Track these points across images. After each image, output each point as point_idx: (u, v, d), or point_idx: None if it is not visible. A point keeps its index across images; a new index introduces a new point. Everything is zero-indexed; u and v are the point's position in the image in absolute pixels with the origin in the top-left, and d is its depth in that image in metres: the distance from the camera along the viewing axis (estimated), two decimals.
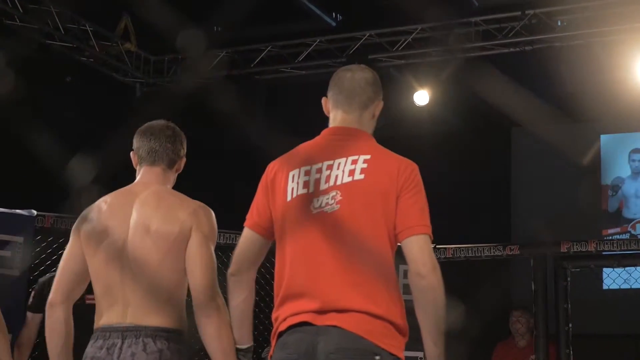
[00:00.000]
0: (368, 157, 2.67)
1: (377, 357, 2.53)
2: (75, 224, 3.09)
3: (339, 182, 2.65)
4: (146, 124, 3.18)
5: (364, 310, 2.54)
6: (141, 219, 2.96)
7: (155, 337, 2.89)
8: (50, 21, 8.19)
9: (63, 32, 8.34)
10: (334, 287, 2.57)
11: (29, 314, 5.44)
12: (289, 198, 2.69)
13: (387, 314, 2.57)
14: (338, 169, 2.67)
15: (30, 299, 5.41)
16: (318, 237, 2.61)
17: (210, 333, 2.87)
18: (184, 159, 3.20)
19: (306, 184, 2.68)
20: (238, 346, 2.84)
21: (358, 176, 2.64)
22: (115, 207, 3.03)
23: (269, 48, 9.07)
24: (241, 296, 2.77)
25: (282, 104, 9.40)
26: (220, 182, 8.64)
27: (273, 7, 8.75)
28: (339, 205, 2.63)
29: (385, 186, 2.63)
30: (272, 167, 2.79)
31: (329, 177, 2.67)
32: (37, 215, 6.12)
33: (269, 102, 9.23)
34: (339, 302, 2.55)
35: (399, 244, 2.65)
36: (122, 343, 2.89)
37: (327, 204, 2.64)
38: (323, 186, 2.66)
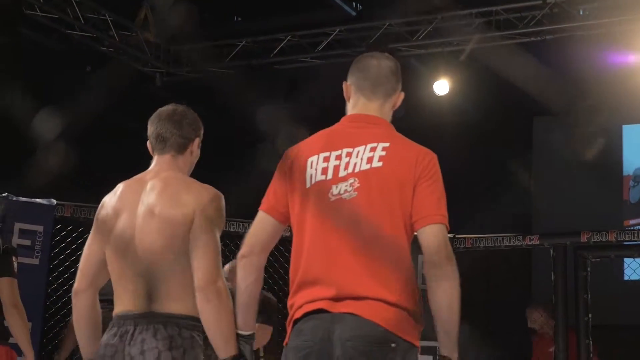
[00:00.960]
0: (387, 144, 2.67)
1: (393, 345, 2.52)
2: (96, 212, 3.12)
3: (357, 170, 2.65)
4: (157, 111, 3.16)
5: (380, 298, 2.54)
6: (147, 205, 2.97)
7: (167, 324, 2.88)
8: (70, 11, 8.21)
9: (83, 22, 8.36)
10: (350, 275, 2.57)
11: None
12: (307, 185, 2.68)
13: (403, 302, 2.56)
14: (357, 156, 2.66)
15: None
16: (335, 224, 2.61)
17: (210, 317, 2.84)
18: (197, 141, 3.14)
19: (325, 171, 2.67)
20: (240, 332, 2.82)
21: (376, 164, 2.64)
22: (126, 194, 3.04)
23: (288, 38, 9.05)
24: (250, 279, 2.75)
25: (302, 94, 9.39)
26: (239, 170, 8.65)
27: None
28: (356, 193, 2.62)
29: (403, 174, 2.62)
30: (290, 152, 2.78)
31: (347, 164, 2.66)
32: (57, 204, 6.17)
33: (289, 92, 9.23)
34: (355, 290, 2.55)
35: (415, 232, 2.63)
36: (134, 330, 2.90)
37: (345, 191, 2.64)
38: (342, 173, 2.66)
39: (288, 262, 2.78)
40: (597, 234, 6.15)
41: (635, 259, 7.36)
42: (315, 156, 2.70)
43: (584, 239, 6.16)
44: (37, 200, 6.17)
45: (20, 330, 4.64)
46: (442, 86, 8.79)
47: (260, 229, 2.75)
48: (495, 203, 9.26)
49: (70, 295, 5.65)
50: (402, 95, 2.86)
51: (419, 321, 2.61)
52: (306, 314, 2.61)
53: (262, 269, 2.78)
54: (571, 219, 9.41)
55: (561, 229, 8.04)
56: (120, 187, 3.10)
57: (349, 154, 2.67)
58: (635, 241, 6.25)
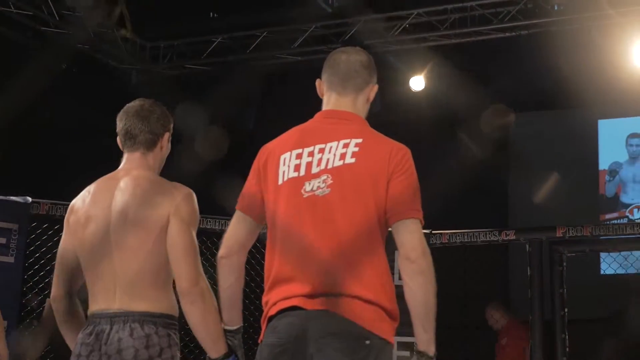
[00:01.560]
0: (360, 140, 2.66)
1: (368, 342, 2.52)
2: (65, 216, 3.09)
3: (330, 166, 2.63)
4: (124, 107, 3.13)
5: (355, 295, 2.54)
6: (120, 205, 2.95)
7: (143, 322, 2.87)
8: (44, 7, 8.16)
9: (58, 19, 8.30)
10: (324, 272, 2.56)
11: (47, 300, 5.55)
12: (280, 181, 2.67)
13: (377, 299, 2.56)
14: (330, 152, 2.65)
15: None
16: (309, 221, 2.60)
17: (197, 320, 2.84)
18: (167, 135, 3.10)
19: (297, 167, 2.66)
20: (227, 327, 2.82)
21: (349, 160, 2.63)
22: (98, 195, 3.01)
23: (264, 34, 9.04)
24: (231, 279, 2.75)
25: (277, 90, 9.38)
26: (215, 168, 8.63)
27: None
28: (329, 189, 2.61)
29: (376, 170, 2.61)
30: (264, 150, 2.77)
31: (320, 160, 2.65)
32: (32, 202, 6.12)
33: (264, 88, 9.21)
34: (329, 287, 2.54)
35: (389, 228, 2.63)
36: (111, 329, 2.88)
37: (318, 187, 2.63)
38: (314, 169, 2.64)
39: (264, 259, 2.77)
40: (572, 229, 6.18)
41: (611, 254, 7.40)
42: (288, 153, 2.69)
43: (559, 233, 6.19)
44: (12, 197, 6.13)
45: None
46: (418, 82, 8.80)
47: (237, 228, 2.75)
48: (471, 199, 9.29)
49: (47, 294, 5.65)
50: (375, 88, 2.84)
51: (394, 318, 2.61)
52: (281, 311, 2.60)
53: (243, 267, 2.78)
54: (548, 213, 9.45)
55: (537, 224, 8.08)
56: (90, 188, 3.07)
57: (321, 150, 2.66)
58: (610, 236, 6.28)
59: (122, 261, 2.90)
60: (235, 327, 2.82)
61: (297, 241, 2.60)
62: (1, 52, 8.03)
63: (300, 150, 2.67)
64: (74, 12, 8.47)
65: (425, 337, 2.60)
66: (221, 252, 2.76)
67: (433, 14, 8.52)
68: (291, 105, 7.74)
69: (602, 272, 9.55)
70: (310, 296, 2.55)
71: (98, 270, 2.95)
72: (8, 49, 8.15)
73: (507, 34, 8.41)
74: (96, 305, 2.96)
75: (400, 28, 8.64)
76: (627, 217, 10.36)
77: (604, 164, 10.57)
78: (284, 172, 2.67)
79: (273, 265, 2.66)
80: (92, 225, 2.97)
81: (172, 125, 3.14)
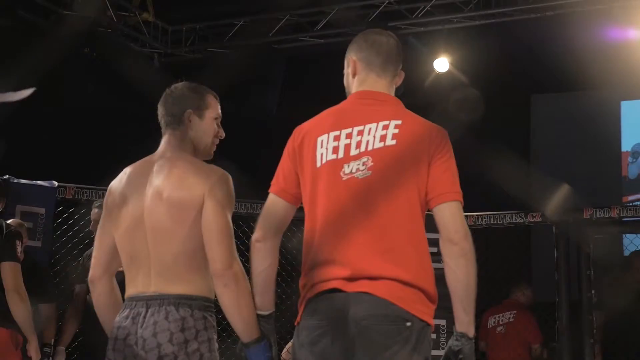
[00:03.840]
0: (399, 122, 2.64)
1: (408, 324, 2.51)
2: (104, 198, 3.11)
3: (370, 148, 2.62)
4: None
5: (395, 277, 2.53)
6: (155, 187, 2.94)
7: (179, 305, 2.86)
8: None
9: (81, 2, 8.30)
10: (364, 254, 2.55)
11: (76, 286, 5.61)
12: (318, 164, 2.66)
13: (417, 281, 2.56)
14: (369, 134, 2.64)
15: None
16: (349, 204, 2.59)
17: (229, 303, 2.82)
18: (187, 113, 3.04)
19: (335, 150, 2.65)
20: (259, 312, 2.80)
21: (390, 142, 2.61)
22: (133, 177, 3.02)
23: (287, 17, 9.01)
24: (265, 263, 2.74)
25: (301, 73, 9.36)
26: (241, 151, 8.64)
27: None
28: (370, 172, 2.60)
29: (417, 152, 2.60)
30: (299, 132, 2.75)
31: (359, 142, 2.64)
32: (58, 186, 6.16)
33: (288, 71, 9.20)
34: (369, 269, 2.54)
35: (430, 210, 2.62)
36: (146, 312, 2.88)
37: (358, 169, 2.61)
38: (353, 152, 2.63)
39: (300, 243, 2.77)
40: (599, 211, 6.17)
41: (628, 236, 7.37)
42: (325, 135, 2.68)
43: (586, 215, 6.17)
44: (39, 182, 6.16)
45: (22, 315, 4.63)
46: (442, 64, 8.77)
47: (272, 212, 2.74)
48: (493, 181, 9.26)
49: (74, 278, 5.69)
50: (402, 74, 2.84)
51: (433, 300, 2.61)
52: (320, 293, 2.59)
53: (277, 252, 2.76)
54: (570, 195, 9.41)
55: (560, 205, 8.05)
56: (127, 170, 3.07)
57: (360, 132, 2.65)
58: (637, 217, 6.25)
59: (157, 244, 2.90)
60: (267, 312, 2.80)
61: (336, 224, 2.59)
62: (24, 36, 8.04)
63: (337, 132, 2.66)
64: None
65: (465, 319, 2.60)
66: (256, 235, 2.74)
67: None
68: (314, 88, 7.73)
69: (626, 253, 9.50)
70: (350, 279, 2.55)
71: (133, 253, 2.95)
72: (30, 33, 8.17)
73: (532, 15, 8.34)
74: (133, 288, 2.97)
75: (424, 10, 8.59)
76: None
77: (626, 145, 10.52)
78: (322, 154, 2.66)
79: (311, 248, 2.65)
80: (127, 207, 2.97)
81: (197, 103, 3.06)
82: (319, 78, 7.46)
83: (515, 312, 7.34)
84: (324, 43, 9.05)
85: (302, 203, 2.75)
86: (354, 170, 2.62)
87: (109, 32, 8.81)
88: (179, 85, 3.11)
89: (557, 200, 6.29)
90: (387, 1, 8.66)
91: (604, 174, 10.22)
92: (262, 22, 9.08)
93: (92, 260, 3.11)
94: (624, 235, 8.56)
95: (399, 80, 2.83)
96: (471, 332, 2.61)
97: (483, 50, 8.78)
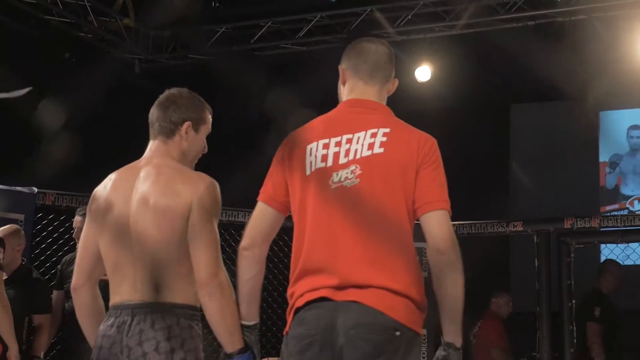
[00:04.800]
0: (387, 130, 2.64)
1: (397, 333, 2.50)
2: (88, 204, 3.07)
3: (358, 156, 2.61)
4: None
5: (384, 286, 2.52)
6: (141, 193, 2.91)
7: (165, 314, 2.83)
8: None
9: (61, 7, 8.26)
10: (353, 263, 2.54)
11: (54, 292, 5.58)
12: (307, 172, 2.65)
13: (406, 290, 2.55)
14: (357, 142, 2.63)
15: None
16: (337, 212, 2.57)
17: (214, 312, 2.79)
18: (187, 124, 3.00)
19: (325, 158, 2.64)
20: (244, 322, 2.77)
21: (377, 150, 2.61)
22: (119, 183, 2.98)
23: (269, 24, 9.00)
24: (252, 272, 2.71)
25: (282, 80, 9.34)
26: (222, 158, 8.61)
27: None
28: (358, 180, 2.59)
29: (405, 160, 2.59)
30: (289, 140, 2.73)
31: (348, 150, 2.63)
32: (38, 192, 6.11)
33: (269, 78, 9.17)
34: (358, 278, 2.52)
35: (417, 219, 2.61)
36: (132, 320, 2.84)
37: (346, 178, 2.60)
38: (342, 160, 2.62)
39: (289, 252, 2.75)
40: (580, 220, 6.20)
41: (608, 246, 7.41)
42: (314, 143, 2.67)
43: (567, 225, 6.21)
44: (18, 188, 6.11)
45: (2, 322, 4.59)
46: (423, 73, 8.78)
47: (260, 220, 2.71)
48: (474, 190, 9.29)
49: (52, 285, 5.64)
50: (396, 82, 2.84)
51: (422, 309, 2.60)
52: (308, 303, 2.57)
53: (264, 260, 2.74)
54: (548, 205, 9.47)
55: (539, 215, 8.09)
56: (112, 176, 3.03)
57: (349, 140, 2.64)
58: (618, 227, 6.29)
59: (143, 251, 2.87)
60: (252, 323, 2.78)
61: (325, 232, 2.58)
62: (3, 42, 7.98)
63: (327, 140, 2.65)
64: (77, 1, 8.44)
65: (452, 329, 2.60)
66: (243, 243, 2.72)
67: (439, 4, 8.48)
68: (296, 95, 7.72)
69: None
70: (339, 287, 2.54)
71: (118, 260, 2.91)
72: (10, 38, 8.11)
73: (514, 25, 8.38)
74: (118, 296, 2.93)
75: (406, 19, 8.60)
76: (627, 208, 10.37)
77: (604, 155, 10.59)
78: (311, 162, 2.65)
79: (300, 256, 2.63)
80: (113, 213, 2.93)
81: (198, 115, 3.06)
82: (300, 85, 7.46)
83: (481, 321, 7.42)
84: (306, 50, 9.04)
85: (290, 212, 2.73)
86: (342, 179, 2.61)
87: (89, 37, 8.76)
88: (182, 93, 3.06)
89: None
90: (369, 9, 8.67)
91: (582, 184, 10.28)
92: (244, 29, 9.07)
93: (75, 268, 3.07)
94: (602, 246, 8.61)
95: (392, 87, 2.82)
96: (458, 342, 2.60)
97: (464, 60, 8.80)
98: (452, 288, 2.56)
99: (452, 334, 2.60)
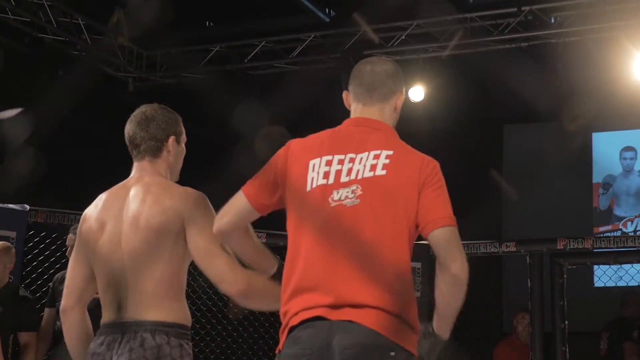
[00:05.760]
0: (390, 152, 2.63)
1: (392, 353, 2.49)
2: (78, 226, 3.05)
3: (360, 177, 2.61)
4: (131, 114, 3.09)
5: (379, 306, 2.51)
6: (132, 213, 2.91)
7: (155, 332, 2.82)
8: (42, 14, 8.12)
9: (55, 25, 8.27)
10: (349, 282, 2.53)
11: (45, 309, 5.56)
12: (308, 188, 2.64)
13: (402, 311, 2.54)
14: (360, 163, 2.63)
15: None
16: (335, 230, 2.57)
17: (259, 306, 2.97)
18: (172, 139, 3.02)
19: (326, 175, 2.63)
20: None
21: (380, 172, 2.61)
22: (109, 203, 2.98)
23: (262, 43, 9.02)
24: (241, 238, 2.76)
25: (275, 99, 9.36)
26: (215, 176, 8.59)
27: (266, 2, 8.72)
28: (359, 200, 2.59)
29: (407, 183, 2.59)
30: (292, 149, 2.72)
31: (350, 170, 2.63)
32: (29, 209, 6.09)
33: (262, 97, 9.18)
34: (354, 297, 2.51)
35: (424, 238, 2.61)
36: (122, 338, 2.83)
37: (346, 197, 2.60)
38: (344, 179, 2.62)
39: None
40: (573, 241, 6.20)
41: (601, 267, 7.44)
42: (318, 159, 2.66)
43: (560, 245, 6.21)
44: (10, 205, 6.09)
45: None
46: (417, 93, 8.80)
47: (236, 210, 2.71)
48: (466, 210, 9.27)
49: (44, 303, 5.62)
50: (402, 97, 2.83)
51: (416, 331, 2.59)
52: (303, 322, 2.56)
53: (247, 234, 2.78)
54: (542, 226, 9.46)
55: (531, 236, 8.09)
56: (102, 196, 3.03)
57: (352, 160, 2.64)
58: (611, 248, 6.29)
59: (135, 270, 2.86)
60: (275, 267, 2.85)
61: (321, 250, 2.57)
62: None
63: (330, 157, 2.65)
64: (71, 19, 8.45)
65: (445, 327, 2.65)
66: (218, 226, 2.74)
67: (433, 25, 8.52)
68: (288, 114, 7.72)
69: (597, 284, 9.55)
70: (334, 306, 2.52)
71: (110, 279, 2.91)
72: (4, 55, 8.11)
73: (507, 46, 8.42)
74: (108, 314, 2.92)
75: (399, 39, 8.63)
76: (620, 230, 10.37)
77: (597, 176, 10.59)
78: (312, 178, 2.64)
79: (294, 274, 2.61)
80: (104, 233, 2.93)
81: (178, 128, 3.07)
82: (293, 104, 7.46)
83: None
84: (299, 70, 9.06)
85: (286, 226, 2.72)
86: (342, 197, 2.61)
87: (83, 55, 8.76)
88: (156, 108, 3.05)
89: None
90: (362, 29, 8.70)
91: (575, 205, 10.28)
92: (238, 48, 9.08)
93: (65, 290, 3.05)
94: (595, 267, 8.60)
95: (398, 103, 2.80)
96: (445, 335, 2.65)
97: (457, 80, 8.83)
98: (455, 303, 2.60)
99: (441, 328, 2.65)
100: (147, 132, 3.00)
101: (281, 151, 2.74)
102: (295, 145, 2.73)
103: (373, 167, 2.61)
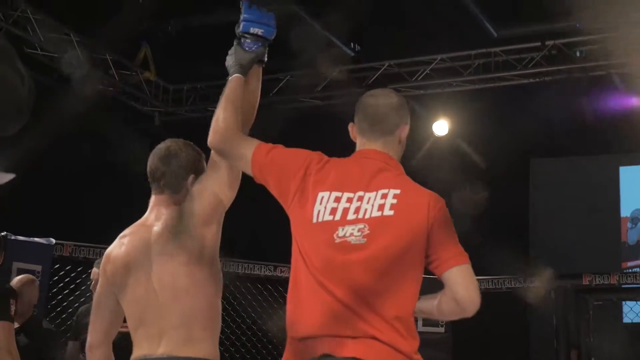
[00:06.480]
0: (398, 192, 2.62)
1: None
2: (101, 264, 3.05)
3: (367, 216, 2.59)
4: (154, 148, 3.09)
5: (389, 343, 2.50)
6: (159, 249, 2.91)
7: None
8: (70, 50, 8.23)
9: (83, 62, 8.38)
10: (356, 321, 2.52)
11: (69, 343, 5.58)
12: (314, 220, 2.62)
13: (408, 349, 2.53)
14: (368, 202, 2.62)
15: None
16: (340, 269, 2.56)
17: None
18: (192, 177, 2.98)
19: (333, 211, 2.62)
20: None
21: (387, 212, 2.59)
22: (134, 242, 2.97)
23: (287, 77, 9.07)
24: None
25: (300, 134, 9.39)
26: (239, 209, 8.61)
27: (292, 37, 8.76)
28: (365, 239, 2.57)
29: (415, 223, 2.58)
30: (318, 165, 2.69)
31: (358, 208, 2.61)
32: (55, 243, 6.13)
33: (286, 131, 9.21)
34: (361, 335, 2.51)
35: (438, 277, 2.59)
36: None
37: (352, 234, 2.58)
38: (351, 216, 2.61)
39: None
40: (598, 277, 6.15)
41: (638, 302, 7.34)
42: (327, 192, 2.64)
43: (585, 281, 6.15)
44: (36, 239, 6.14)
45: None
46: (441, 127, 8.80)
47: (238, 153, 2.79)
48: (492, 244, 9.24)
49: (68, 336, 5.64)
50: (407, 128, 2.79)
51: None
52: None
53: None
54: (569, 260, 9.39)
55: (560, 270, 8.02)
56: (126, 233, 3.02)
57: (360, 198, 2.62)
58: (637, 284, 6.23)
59: (166, 306, 2.85)
60: None
61: (323, 285, 2.56)
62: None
63: (339, 194, 2.64)
64: (98, 55, 8.56)
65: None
66: (215, 141, 2.82)
67: (457, 59, 8.54)
68: (311, 149, 7.72)
69: (626, 320, 9.44)
70: (338, 343, 2.52)
71: (142, 316, 2.89)
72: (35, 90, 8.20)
73: (531, 80, 8.41)
74: (140, 350, 2.91)
75: (423, 73, 8.66)
76: None
77: (625, 210, 10.52)
78: (319, 211, 2.63)
79: (298, 319, 2.60)
80: (132, 273, 2.91)
81: (200, 166, 3.07)
82: (315, 139, 7.47)
83: None
84: (323, 104, 9.10)
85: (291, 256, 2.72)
86: (347, 235, 2.59)
87: (110, 91, 8.87)
88: (181, 145, 3.04)
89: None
90: (386, 64, 8.72)
91: (603, 240, 10.20)
92: (263, 82, 9.11)
93: (90, 327, 3.05)
94: (623, 302, 8.52)
95: (402, 135, 2.78)
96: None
97: (482, 114, 8.83)
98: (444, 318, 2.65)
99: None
100: (169, 167, 2.99)
101: (313, 158, 2.71)
102: (320, 164, 2.71)
103: (381, 207, 2.59)
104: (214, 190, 2.91)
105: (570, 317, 6.12)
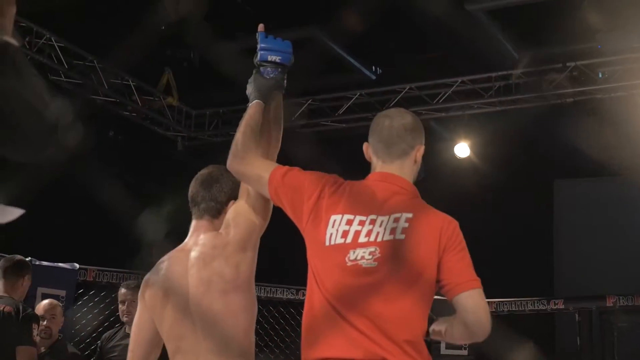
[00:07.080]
0: (410, 215, 2.61)
1: None
2: (140, 291, 3.08)
3: (379, 239, 2.59)
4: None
5: None
6: (197, 275, 2.91)
7: None
8: (94, 76, 8.32)
9: (107, 87, 8.46)
10: (367, 344, 2.52)
11: None
12: (326, 243, 2.63)
13: None
14: (380, 226, 2.61)
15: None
16: (350, 292, 2.56)
17: None
18: (232, 202, 3.01)
19: (345, 234, 2.62)
20: None
21: (399, 236, 2.58)
22: (172, 268, 2.98)
23: (309, 101, 9.12)
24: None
25: (322, 158, 9.41)
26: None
27: (313, 61, 8.80)
28: (376, 263, 2.57)
29: (427, 247, 2.57)
30: (332, 188, 2.69)
31: (370, 232, 2.61)
32: (79, 268, 6.17)
33: (308, 155, 9.24)
34: (372, 356, 2.51)
35: (449, 300, 2.59)
36: None
37: (363, 257, 2.59)
38: (362, 239, 2.61)
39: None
40: (622, 298, 6.10)
41: None
42: (340, 215, 2.64)
43: (609, 303, 6.11)
44: (60, 264, 6.18)
45: None
46: (462, 149, 8.80)
47: (254, 175, 2.82)
48: (516, 266, 9.20)
49: None
50: (422, 149, 2.77)
51: None
52: None
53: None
54: (594, 282, 9.33)
55: (585, 292, 7.97)
56: (165, 259, 3.04)
57: (372, 222, 2.62)
58: None
59: (208, 331, 2.86)
60: None
61: (336, 309, 2.57)
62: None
63: (352, 217, 2.64)
64: (122, 80, 8.64)
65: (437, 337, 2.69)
66: (234, 165, 2.85)
67: (478, 81, 8.55)
68: (333, 172, 7.73)
69: None
70: None
71: (181, 343, 2.91)
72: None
73: (553, 102, 8.39)
74: None
75: (445, 96, 8.67)
76: None
77: None
78: (331, 234, 2.63)
79: (310, 330, 2.61)
80: (172, 299, 2.92)
81: (237, 193, 3.09)
82: (338, 163, 7.49)
83: None
84: (346, 127, 9.13)
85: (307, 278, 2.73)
86: (358, 257, 2.59)
87: (133, 116, 8.94)
88: (222, 171, 3.06)
89: None
90: (408, 87, 8.75)
91: (629, 261, 10.12)
92: (284, 106, 9.16)
93: (129, 354, 3.06)
94: None
95: (418, 156, 2.78)
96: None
97: (505, 136, 8.81)
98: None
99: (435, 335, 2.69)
100: (209, 192, 3.02)
101: (324, 181, 2.71)
102: (328, 189, 2.72)
103: (393, 231, 2.59)
104: (248, 216, 2.93)
105: (595, 339, 6.07)
